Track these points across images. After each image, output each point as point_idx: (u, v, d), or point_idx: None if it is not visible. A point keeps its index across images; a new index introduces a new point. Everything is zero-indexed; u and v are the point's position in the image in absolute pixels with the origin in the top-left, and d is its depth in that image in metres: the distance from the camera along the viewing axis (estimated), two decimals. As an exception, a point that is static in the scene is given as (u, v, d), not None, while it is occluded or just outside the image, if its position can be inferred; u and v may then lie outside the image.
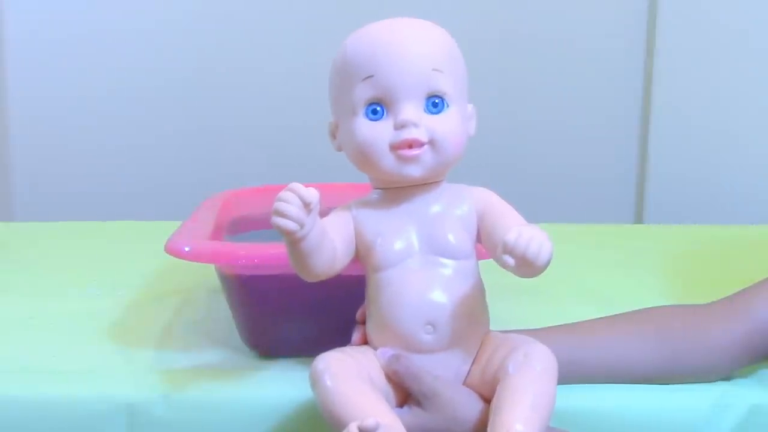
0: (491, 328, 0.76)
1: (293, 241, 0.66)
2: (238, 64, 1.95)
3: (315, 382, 0.69)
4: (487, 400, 0.70)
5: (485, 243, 0.74)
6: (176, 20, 1.94)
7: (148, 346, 0.94)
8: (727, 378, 0.85)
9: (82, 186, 2.00)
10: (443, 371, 0.72)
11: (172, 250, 0.82)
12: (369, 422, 0.62)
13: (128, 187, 2.00)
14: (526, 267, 0.65)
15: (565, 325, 0.84)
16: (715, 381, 0.84)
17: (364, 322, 0.77)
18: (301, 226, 0.65)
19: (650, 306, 0.87)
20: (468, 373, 0.73)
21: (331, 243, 0.71)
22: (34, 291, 1.14)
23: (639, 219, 1.98)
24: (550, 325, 0.84)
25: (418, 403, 0.71)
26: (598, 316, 0.86)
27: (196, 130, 1.98)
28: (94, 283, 1.16)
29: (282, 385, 0.83)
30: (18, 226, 1.63)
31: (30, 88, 1.97)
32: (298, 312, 0.86)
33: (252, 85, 1.96)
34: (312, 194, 0.65)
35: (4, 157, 1.99)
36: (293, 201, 0.64)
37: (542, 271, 0.66)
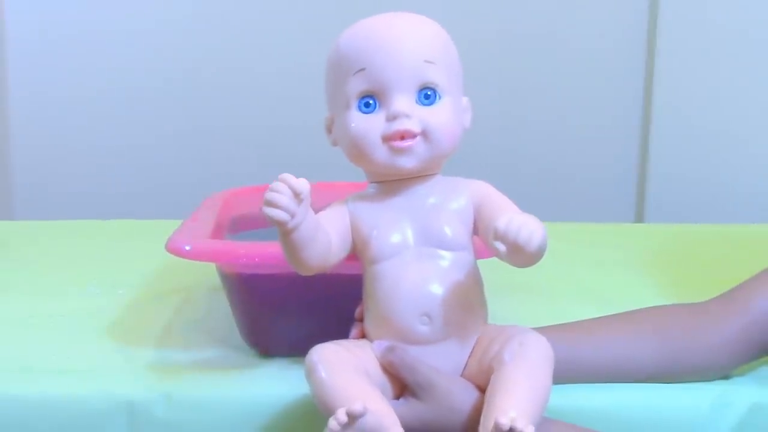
0: (490, 326, 0.76)
1: (285, 232, 0.67)
2: (239, 64, 1.95)
3: (310, 373, 0.70)
4: (484, 392, 0.70)
5: (482, 235, 0.73)
6: (177, 20, 1.94)
7: (149, 344, 0.94)
8: (726, 377, 0.85)
9: (82, 185, 2.00)
10: (440, 362, 0.72)
11: (172, 248, 0.82)
12: (356, 406, 0.63)
13: (128, 186, 2.00)
14: (518, 254, 0.64)
15: (563, 324, 0.84)
16: (714, 379, 0.84)
17: (362, 320, 0.77)
18: (292, 216, 0.65)
19: (649, 305, 0.87)
20: (465, 365, 0.73)
21: (325, 236, 0.71)
22: (34, 290, 1.14)
23: (639, 218, 1.98)
24: (549, 324, 0.84)
25: (414, 394, 0.71)
26: (597, 316, 0.86)
27: (196, 129, 1.99)
28: (94, 282, 1.16)
29: (282, 383, 0.83)
30: (18, 225, 1.62)
31: (30, 87, 1.97)
32: (298, 311, 0.86)
33: (252, 85, 1.96)
34: (302, 185, 0.65)
35: (4, 156, 1.99)
36: (283, 191, 0.65)
37: (536, 259, 0.65)
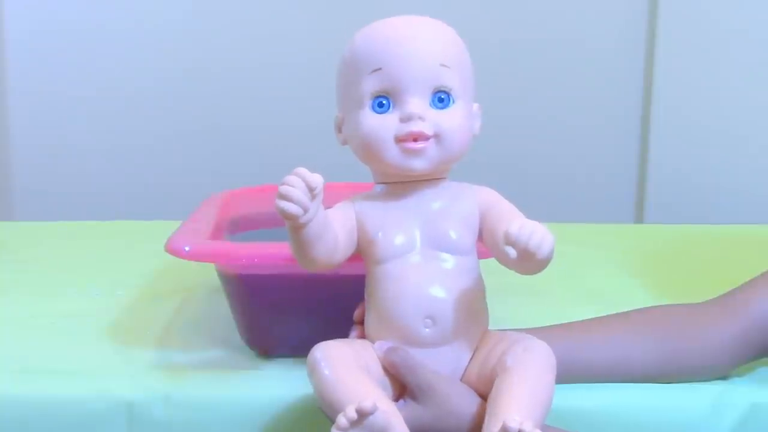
0: (490, 328, 0.76)
1: (296, 227, 0.66)
2: (239, 65, 1.95)
3: (312, 369, 0.69)
4: (484, 397, 0.70)
5: (487, 241, 0.74)
6: (177, 20, 1.94)
7: (148, 345, 0.94)
8: (726, 377, 0.85)
9: (82, 186, 2.00)
10: (441, 366, 0.72)
11: (172, 249, 0.82)
12: (367, 404, 0.62)
13: (128, 187, 2.00)
14: (528, 260, 0.65)
15: (563, 324, 0.84)
16: (713, 379, 0.84)
17: (361, 323, 0.77)
18: (305, 210, 0.65)
19: (648, 305, 0.87)
20: (465, 369, 0.73)
21: (333, 233, 0.71)
22: (34, 291, 1.14)
23: (639, 219, 1.98)
24: (548, 324, 0.84)
25: (414, 397, 0.71)
26: (597, 316, 0.86)
27: (196, 130, 1.99)
28: (94, 282, 1.16)
29: (281, 384, 0.83)
30: (18, 226, 1.62)
31: (30, 87, 1.97)
32: (298, 312, 0.86)
33: (252, 85, 1.96)
34: (317, 180, 0.65)
35: (4, 156, 1.99)
36: (298, 185, 0.64)
37: (543, 267, 0.66)
